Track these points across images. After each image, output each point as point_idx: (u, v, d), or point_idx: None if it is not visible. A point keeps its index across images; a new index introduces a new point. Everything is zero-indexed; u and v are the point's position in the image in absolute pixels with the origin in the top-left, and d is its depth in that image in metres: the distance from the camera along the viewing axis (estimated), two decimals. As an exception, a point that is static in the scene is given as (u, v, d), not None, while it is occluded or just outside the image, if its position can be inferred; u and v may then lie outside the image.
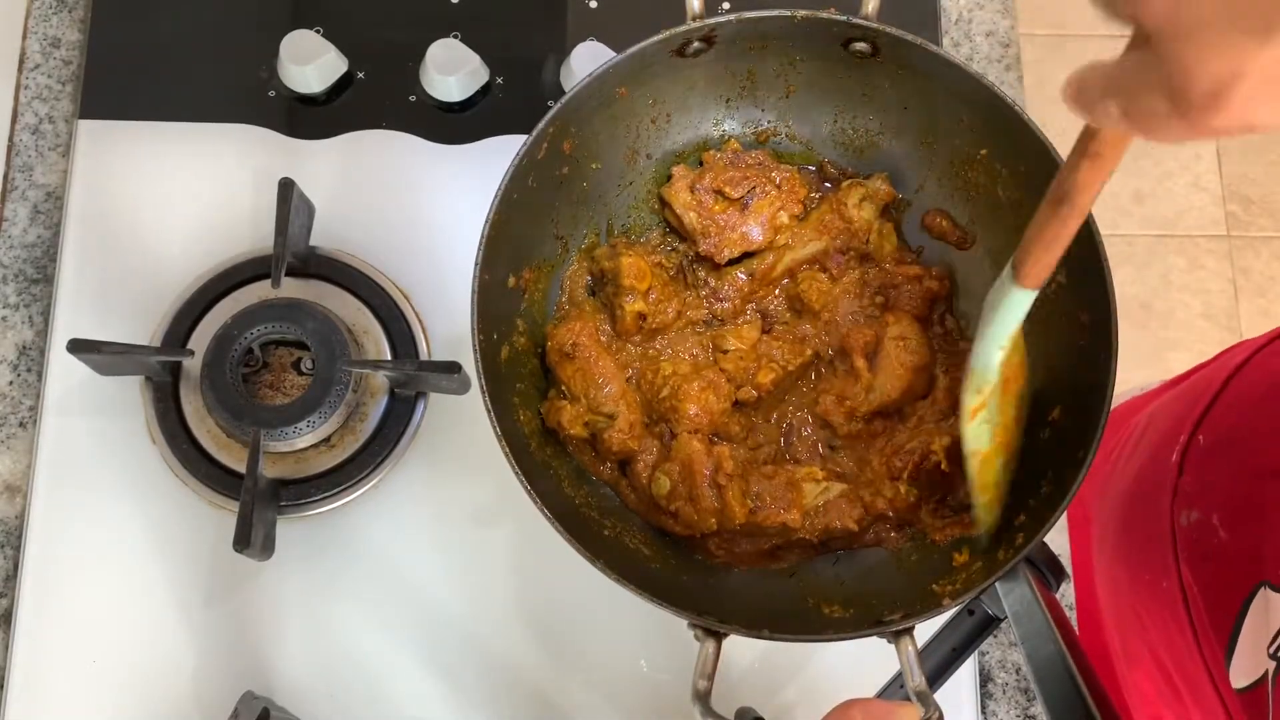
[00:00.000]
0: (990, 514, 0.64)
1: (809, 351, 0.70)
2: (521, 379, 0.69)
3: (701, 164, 0.72)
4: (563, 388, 0.68)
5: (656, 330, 0.70)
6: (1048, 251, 0.52)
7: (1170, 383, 0.99)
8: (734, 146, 0.72)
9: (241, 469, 0.75)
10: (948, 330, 0.72)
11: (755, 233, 0.70)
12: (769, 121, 0.74)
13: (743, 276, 0.72)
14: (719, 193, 0.70)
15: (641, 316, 0.69)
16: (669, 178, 0.72)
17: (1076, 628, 0.78)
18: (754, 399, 0.69)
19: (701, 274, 0.72)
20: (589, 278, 0.72)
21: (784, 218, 0.71)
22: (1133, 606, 0.84)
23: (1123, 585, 0.86)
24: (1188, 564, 0.74)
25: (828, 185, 0.74)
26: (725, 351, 0.70)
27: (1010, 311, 0.55)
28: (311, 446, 0.76)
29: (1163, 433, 0.85)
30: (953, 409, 0.70)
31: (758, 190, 0.70)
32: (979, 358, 0.58)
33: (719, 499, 0.65)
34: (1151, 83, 0.38)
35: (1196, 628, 0.74)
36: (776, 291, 0.72)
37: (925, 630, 0.60)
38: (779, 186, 0.70)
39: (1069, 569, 0.77)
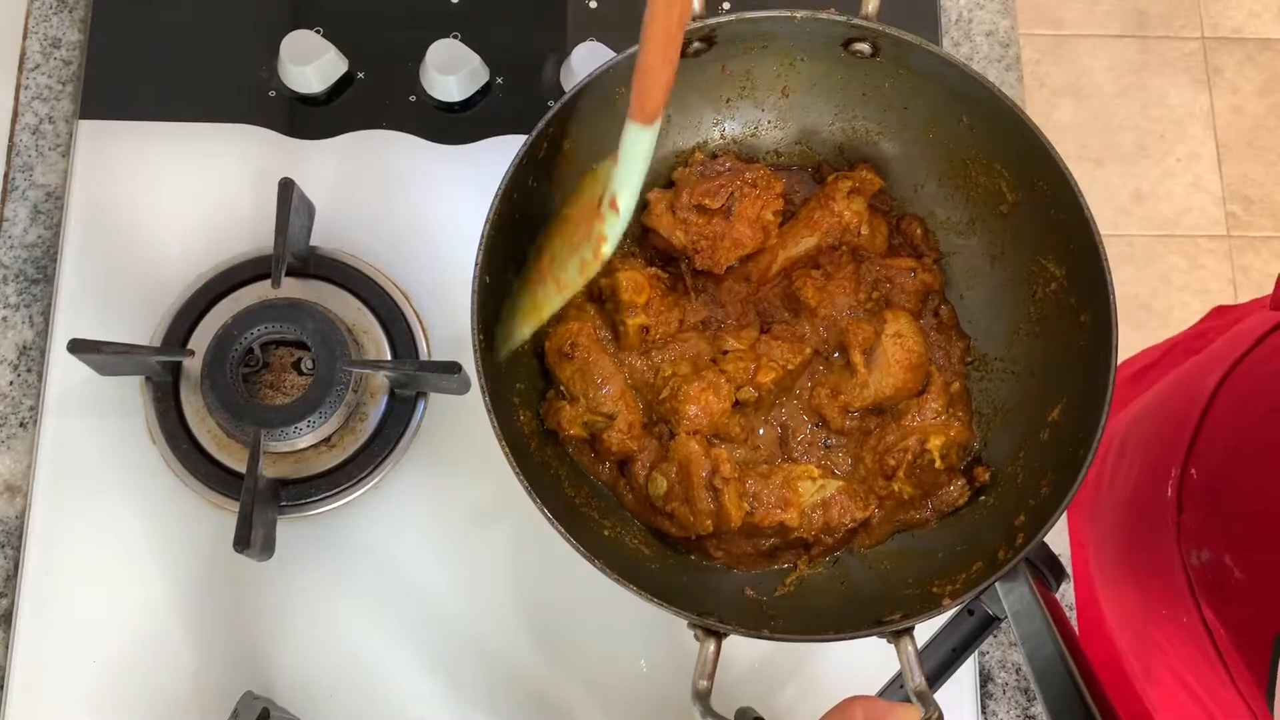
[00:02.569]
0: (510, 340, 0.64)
1: (808, 350, 0.70)
2: (521, 379, 0.69)
3: (672, 184, 0.72)
4: (561, 388, 0.68)
5: (661, 340, 0.70)
6: (642, 80, 0.52)
7: (1141, 371, 0.97)
8: (699, 158, 0.72)
9: (241, 469, 0.75)
10: (941, 321, 0.72)
11: (745, 236, 0.70)
12: (769, 121, 0.74)
13: (739, 283, 0.72)
14: (700, 207, 0.69)
15: (644, 330, 0.69)
16: (644, 205, 0.71)
17: (1076, 628, 0.78)
18: (754, 399, 0.69)
19: (701, 283, 0.72)
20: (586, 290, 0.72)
21: (768, 215, 0.70)
22: (1150, 635, 0.83)
23: (1134, 613, 0.85)
24: (1209, 605, 0.73)
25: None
26: (724, 352, 0.70)
27: (633, 145, 0.55)
28: (311, 446, 0.77)
29: (1149, 459, 0.83)
30: (947, 406, 0.70)
31: (736, 195, 0.70)
32: (619, 182, 0.56)
33: (715, 501, 0.65)
34: None
35: (1229, 666, 0.73)
36: (773, 292, 0.72)
37: (925, 630, 0.61)
38: (755, 185, 0.70)
39: (1069, 569, 0.77)
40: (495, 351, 0.65)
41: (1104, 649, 0.90)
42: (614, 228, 0.57)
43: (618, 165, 0.56)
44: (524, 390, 0.68)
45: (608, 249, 0.57)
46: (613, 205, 0.57)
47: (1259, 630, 0.68)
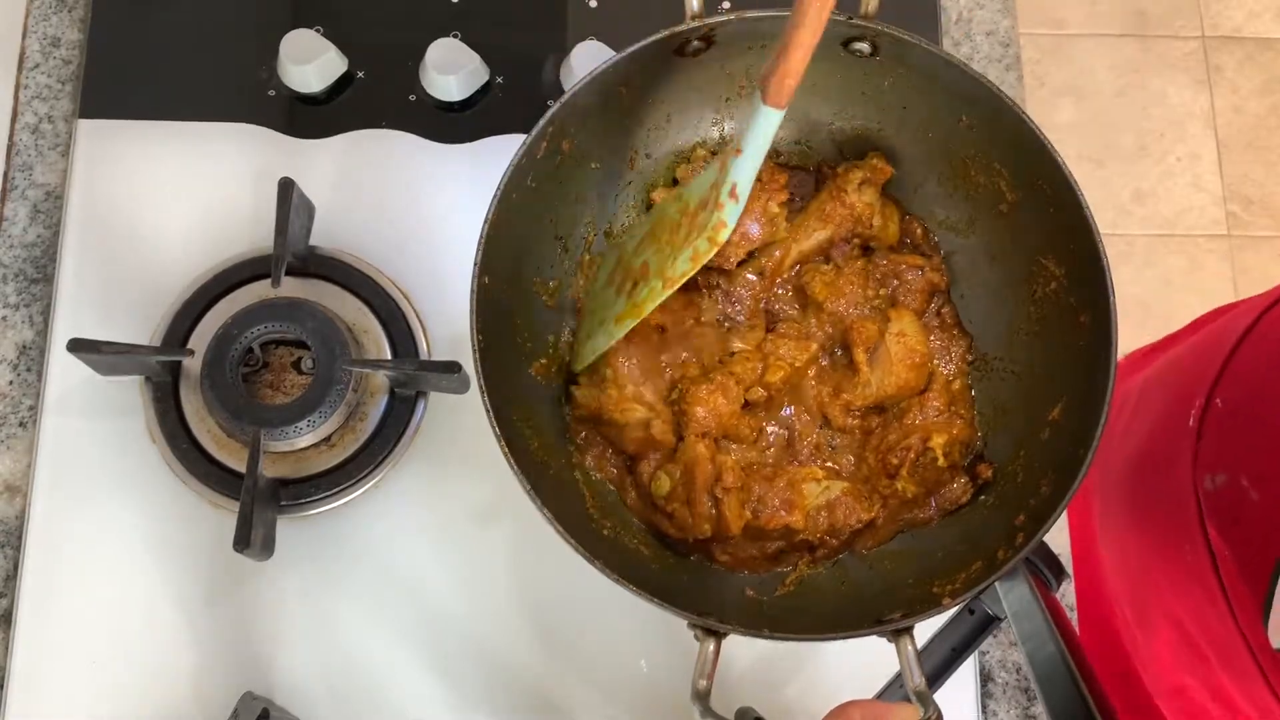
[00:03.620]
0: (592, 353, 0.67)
1: (814, 346, 0.70)
2: (520, 378, 0.69)
3: (676, 182, 0.72)
4: (606, 373, 0.68)
5: (677, 338, 0.70)
6: (789, 60, 0.55)
7: (1160, 345, 0.98)
8: (702, 155, 0.72)
9: (241, 469, 0.75)
10: (944, 320, 0.72)
11: (754, 229, 0.70)
12: (769, 121, 0.73)
13: (752, 277, 0.72)
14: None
15: (661, 329, 0.69)
16: (649, 205, 0.72)
17: (1077, 628, 0.78)
18: (764, 399, 0.69)
19: (714, 279, 0.72)
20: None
21: (774, 207, 0.70)
22: (1149, 577, 0.84)
23: (1135, 556, 0.85)
24: (1216, 528, 0.74)
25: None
26: (731, 354, 0.70)
27: (763, 130, 0.58)
28: (311, 446, 0.76)
29: (1170, 399, 0.84)
30: (949, 404, 0.70)
31: None
32: (741, 170, 0.59)
33: (715, 509, 0.66)
34: None
35: (1228, 591, 0.73)
36: (781, 287, 0.73)
37: (925, 630, 0.61)
38: (760, 179, 0.70)
39: (1069, 569, 0.77)
40: (578, 359, 0.69)
41: (1098, 612, 0.90)
42: (732, 214, 0.59)
43: (742, 154, 0.58)
44: (523, 390, 0.68)
45: (725, 234, 0.60)
46: (733, 194, 0.59)
47: (1264, 550, 0.69)
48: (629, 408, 0.67)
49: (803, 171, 0.75)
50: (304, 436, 0.75)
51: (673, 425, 0.68)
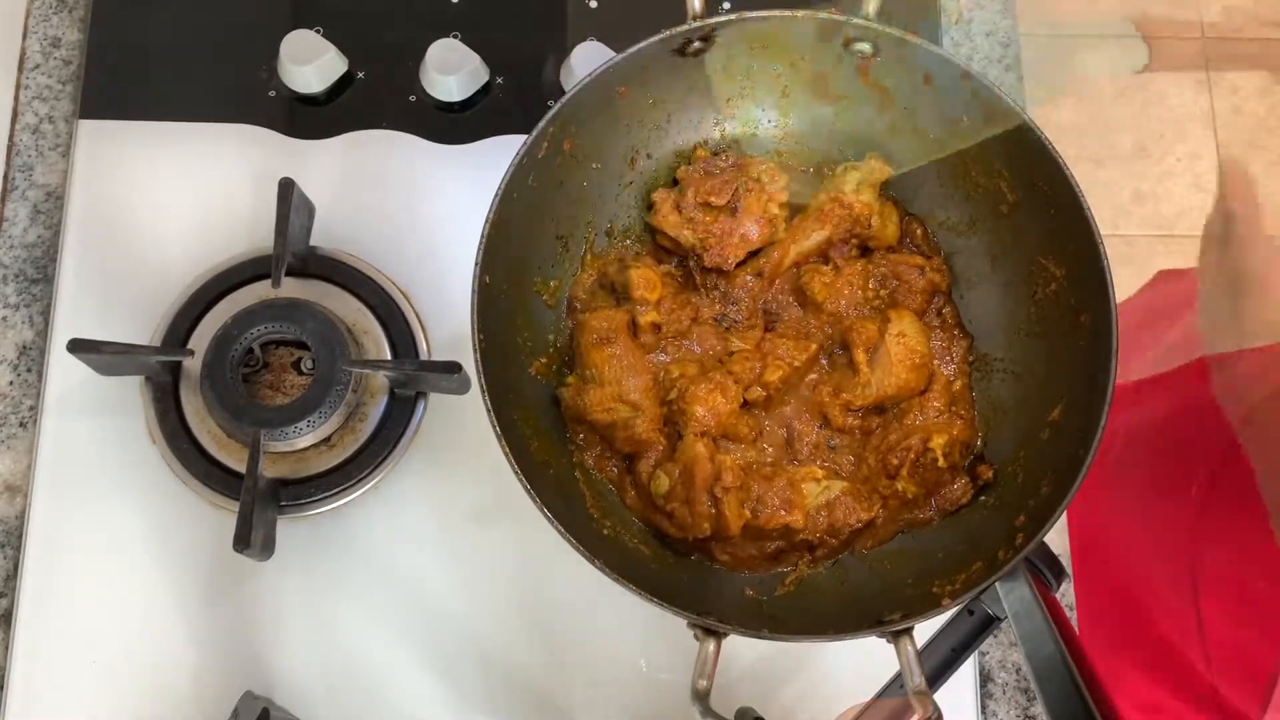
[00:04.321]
0: None
1: (814, 346, 0.70)
2: (521, 379, 0.69)
3: (677, 182, 0.72)
4: (589, 372, 0.68)
5: (673, 336, 0.70)
6: None
7: (1137, 386, 0.97)
8: (702, 155, 0.73)
9: (241, 469, 0.75)
10: (945, 320, 0.72)
11: (753, 231, 0.70)
12: (769, 121, 0.74)
13: (751, 278, 0.72)
14: (705, 204, 0.70)
15: (656, 327, 0.69)
16: (650, 205, 0.72)
17: (1076, 628, 0.78)
18: (762, 398, 0.69)
19: (712, 280, 0.72)
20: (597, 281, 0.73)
21: (774, 208, 0.71)
22: (1126, 635, 0.83)
23: (1117, 612, 0.85)
24: (1214, 612, 0.73)
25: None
26: (730, 353, 0.70)
27: None
28: (311, 446, 0.76)
29: (1169, 465, 0.83)
30: (949, 405, 0.70)
31: (741, 190, 0.70)
32: None
33: (715, 508, 0.66)
34: None
35: (1216, 674, 0.72)
36: (781, 286, 0.73)
37: (925, 630, 0.60)
38: (759, 180, 0.71)
39: (1069, 569, 0.77)
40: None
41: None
42: None
43: None
44: (524, 390, 0.68)
45: None
46: None
47: (1269, 645, 0.68)
48: (612, 407, 0.67)
49: (804, 171, 0.75)
50: (304, 437, 0.75)
51: (659, 424, 0.68)
